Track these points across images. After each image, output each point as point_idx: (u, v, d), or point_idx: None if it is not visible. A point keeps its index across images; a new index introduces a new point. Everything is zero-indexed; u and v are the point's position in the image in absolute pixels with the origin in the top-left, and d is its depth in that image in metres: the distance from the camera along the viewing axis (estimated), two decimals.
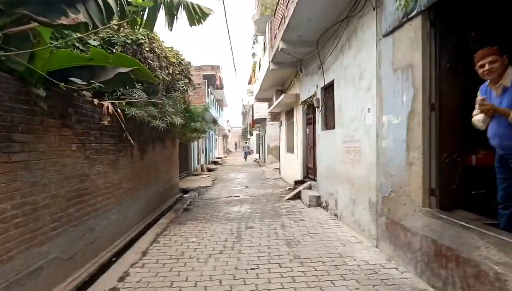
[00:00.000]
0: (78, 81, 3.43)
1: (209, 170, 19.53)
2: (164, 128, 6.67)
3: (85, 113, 4.55)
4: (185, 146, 14.79)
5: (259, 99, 18.02)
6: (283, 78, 12.02)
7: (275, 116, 21.02)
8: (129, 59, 3.90)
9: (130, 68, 3.78)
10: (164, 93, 6.61)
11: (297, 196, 8.70)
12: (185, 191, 11.26)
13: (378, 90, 4.54)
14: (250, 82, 18.51)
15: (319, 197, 7.67)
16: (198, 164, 17.90)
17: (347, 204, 5.83)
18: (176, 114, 6.88)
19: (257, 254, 4.57)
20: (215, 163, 25.58)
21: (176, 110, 6.88)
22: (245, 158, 33.38)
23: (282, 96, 10.22)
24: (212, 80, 22.47)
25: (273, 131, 20.84)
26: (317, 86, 7.79)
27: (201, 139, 18.85)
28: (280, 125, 14.33)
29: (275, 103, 12.35)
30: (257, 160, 27.11)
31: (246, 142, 39.02)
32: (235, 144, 58.25)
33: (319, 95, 7.67)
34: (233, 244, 5.04)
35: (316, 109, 7.87)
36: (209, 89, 22.03)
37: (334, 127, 6.73)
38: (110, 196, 5.29)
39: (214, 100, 24.23)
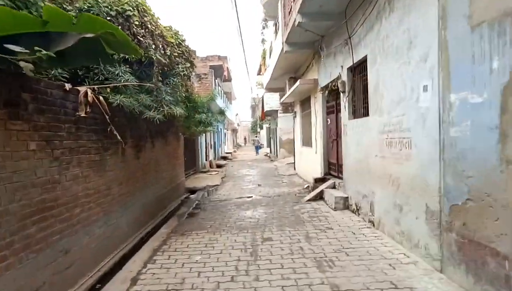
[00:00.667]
0: (16, 48, 2.33)
1: (218, 166, 18.49)
2: (164, 121, 5.58)
3: (51, 101, 3.48)
4: (191, 141, 13.75)
5: (269, 89, 16.80)
6: (297, 64, 10.79)
7: (287, 108, 19.81)
8: (100, 21, 2.78)
9: (99, 33, 2.67)
10: (161, 79, 5.50)
11: (319, 196, 7.54)
12: (192, 191, 10.24)
13: (443, 59, 3.32)
14: (259, 73, 17.31)
15: (346, 198, 6.51)
16: (206, 160, 16.88)
17: (388, 209, 4.65)
18: (176, 104, 5.78)
19: (280, 282, 3.45)
20: (224, 158, 24.57)
21: (176, 99, 5.77)
22: (257, 152, 32.33)
23: (297, 83, 9.01)
24: (219, 72, 21.30)
25: (286, 124, 19.65)
26: (342, 67, 6.57)
27: (208, 133, 17.80)
28: (294, 117, 13.13)
29: (288, 92, 11.15)
30: (268, 155, 25.98)
31: (256, 137, 37.89)
32: (245, 138, 57.21)
33: (344, 78, 6.45)
34: (248, 265, 3.93)
35: (341, 95, 6.66)
36: (216, 81, 20.90)
37: (366, 115, 5.53)
38: (93, 205, 4.25)
39: (222, 93, 23.10)
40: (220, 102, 18.69)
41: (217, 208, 7.49)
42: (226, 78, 25.24)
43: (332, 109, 7.97)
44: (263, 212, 6.78)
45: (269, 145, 34.74)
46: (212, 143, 20.37)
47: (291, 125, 19.67)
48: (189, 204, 8.28)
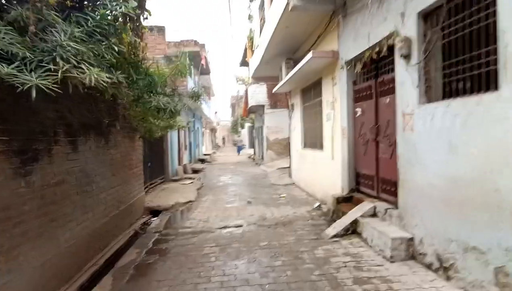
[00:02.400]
0: None
1: (195, 171, 15.43)
2: (96, 107, 2.87)
3: None
4: (158, 142, 10.66)
5: (257, 79, 13.94)
6: (299, 38, 8.01)
7: (276, 102, 17.04)
8: None
9: None
10: (56, 8, 2.53)
11: (352, 230, 4.77)
12: (155, 212, 7.21)
13: None
14: (245, 58, 14.49)
15: (411, 240, 3.77)
16: (179, 165, 13.78)
17: None
18: (101, 66, 2.81)
19: None
20: (202, 161, 21.45)
21: (99, 58, 2.80)
22: (238, 152, 29.74)
23: (308, 56, 6.18)
24: (196, 60, 18.14)
25: (274, 121, 16.89)
26: (403, 15, 3.83)
27: (182, 132, 14.69)
28: (291, 111, 10.35)
29: (287, 75, 8.34)
30: (252, 157, 23.11)
31: (238, 136, 34.97)
32: (223, 138, 53.97)
33: (411, 32, 3.71)
34: None
35: (400, 64, 3.91)
36: (192, 70, 17.69)
37: (473, 92, 2.81)
38: None
39: (199, 84, 19.92)
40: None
41: (188, 252, 4.53)
42: (204, 67, 22.15)
43: (366, 94, 5.23)
44: (267, 266, 3.90)
45: (252, 146, 31.92)
46: (187, 143, 17.26)
47: (281, 123, 16.96)
48: (142, 241, 5.25)
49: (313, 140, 8.18)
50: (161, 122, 5.31)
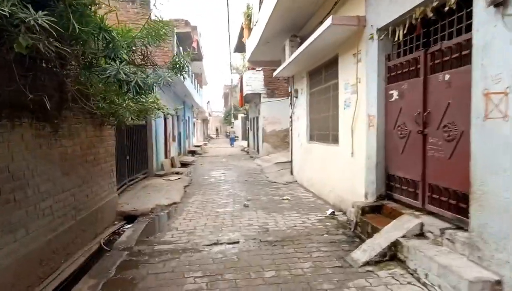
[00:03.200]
0: None
1: (184, 165, 14.03)
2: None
3: None
4: (140, 132, 9.22)
5: (254, 63, 12.50)
6: (307, 9, 6.63)
7: (273, 90, 15.64)
8: None
9: None
10: None
11: (390, 255, 3.48)
12: (130, 217, 5.84)
13: None
14: (241, 38, 13.04)
15: (499, 284, 2.49)
16: (166, 157, 12.35)
17: None
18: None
19: None
20: (193, 153, 20.02)
21: None
22: (231, 144, 28.41)
23: (327, 24, 4.79)
24: (187, 43, 16.56)
25: (271, 111, 15.53)
26: None
27: (170, 121, 13.23)
28: (295, 97, 8.98)
29: (294, 54, 6.97)
30: (245, 149, 21.73)
31: (231, 127, 33.52)
32: (217, 130, 52.36)
33: None
34: None
35: (491, 12, 2.57)
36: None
37: None
38: None
39: (191, 72, 18.30)
40: (188, 82, 14.19)
41: (163, 286, 3.19)
42: (196, 54, 20.53)
43: (409, 70, 3.89)
44: None
45: (246, 138, 30.54)
46: (176, 134, 15.80)
47: (279, 113, 15.59)
48: (103, 265, 3.87)
49: (324, 132, 6.85)
50: (130, 104, 3.90)
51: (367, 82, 4.63)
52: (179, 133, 17.17)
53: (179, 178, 9.64)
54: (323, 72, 6.79)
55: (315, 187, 7.21)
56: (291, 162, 9.69)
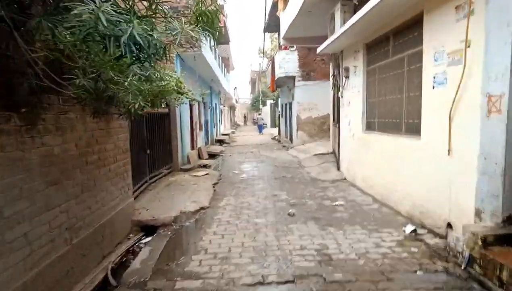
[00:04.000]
0: None
1: (211, 156, 12.92)
2: None
3: None
4: (162, 121, 8.08)
5: (291, 40, 10.91)
6: None
7: (309, 73, 14.01)
8: None
9: None
10: None
11: None
12: (148, 228, 4.72)
13: None
14: (275, 11, 11.45)
15: None
16: (193, 149, 11.26)
17: None
18: None
19: None
20: (220, 142, 18.93)
21: None
22: (260, 131, 27.08)
23: None
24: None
25: (307, 96, 13.96)
26: None
27: (196, 107, 12.07)
28: (344, 78, 7.39)
29: (352, 19, 5.40)
30: (276, 137, 20.29)
31: (259, 114, 32.15)
32: (245, 117, 51.06)
33: None
34: None
35: None
36: None
37: None
38: None
39: (218, 56, 16.96)
40: (217, 69, 12.90)
41: None
42: (223, 35, 19.14)
43: None
44: None
45: (274, 125, 29.07)
46: (203, 122, 14.68)
47: (315, 98, 13.94)
48: None
49: (391, 120, 5.29)
50: (134, 82, 2.64)
51: (488, 45, 3.04)
52: (206, 122, 16.06)
53: (207, 173, 8.46)
54: (391, 41, 5.18)
55: (376, 190, 5.72)
56: (336, 154, 8.19)
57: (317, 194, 6.28)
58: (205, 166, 10.81)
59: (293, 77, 14.14)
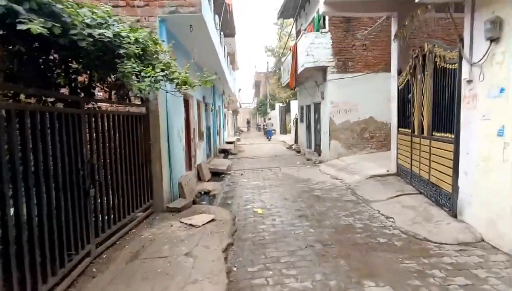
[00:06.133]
0: None
1: (215, 175, 9.39)
2: None
3: None
4: (133, 129, 4.52)
5: (339, 5, 7.33)
6: None
7: (344, 63, 10.50)
8: None
9: None
10: None
11: None
12: None
13: None
14: None
15: None
16: (190, 169, 7.71)
17: None
18: None
19: None
20: (225, 152, 15.40)
21: None
22: (269, 137, 24.46)
23: None
24: (218, 2, 11.60)
25: (343, 94, 10.48)
26: None
27: (195, 108, 8.52)
28: (480, 45, 3.81)
29: None
30: (293, 147, 16.66)
31: (269, 119, 28.65)
32: (248, 122, 47.48)
33: None
34: None
35: None
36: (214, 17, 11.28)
37: None
38: None
39: (223, 43, 13.37)
40: (220, 53, 9.43)
41: None
42: (228, 21, 15.65)
43: None
44: None
45: (287, 131, 25.52)
46: (205, 128, 11.14)
47: (354, 97, 10.31)
48: None
49: None
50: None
51: None
52: (209, 128, 12.52)
53: (211, 220, 4.84)
54: None
55: None
56: (454, 187, 4.55)
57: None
58: (207, 194, 7.27)
59: (323, 69, 10.63)
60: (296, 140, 17.35)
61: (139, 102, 4.96)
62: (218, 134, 15.99)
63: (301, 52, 10.92)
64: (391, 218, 4.84)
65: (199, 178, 8.53)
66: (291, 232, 4.52)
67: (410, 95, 6.16)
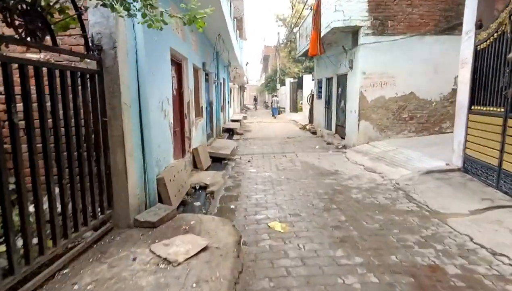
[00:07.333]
0: None
1: (216, 159, 7.52)
2: None
3: None
4: (72, 97, 2.56)
5: None
6: None
7: (383, 22, 8.23)
8: None
9: None
10: None
11: None
12: None
13: None
14: None
15: None
16: (183, 155, 5.80)
17: None
18: None
19: None
20: (230, 132, 13.45)
21: None
22: (274, 116, 23.18)
23: None
24: None
25: (380, 62, 8.34)
26: None
27: (186, 72, 6.43)
28: None
29: None
30: (308, 127, 14.57)
31: (275, 95, 26.40)
32: (255, 99, 44.95)
33: None
34: None
35: None
36: None
37: None
38: None
39: (230, 4, 11.00)
40: (229, 23, 7.25)
41: None
42: None
43: None
44: None
45: (298, 109, 23.37)
46: (205, 103, 9.11)
47: (394, 66, 7.90)
48: None
49: None
50: None
51: None
52: (210, 103, 10.51)
53: (202, 251, 2.95)
54: None
55: None
56: None
57: None
58: (204, 189, 5.39)
59: (354, 30, 8.41)
60: (311, 120, 15.26)
61: (86, 51, 2.95)
62: (222, 111, 13.96)
63: (327, 9, 8.65)
64: (501, 255, 2.91)
65: (195, 166, 6.64)
66: (336, 278, 2.63)
67: (511, 55, 4.04)
